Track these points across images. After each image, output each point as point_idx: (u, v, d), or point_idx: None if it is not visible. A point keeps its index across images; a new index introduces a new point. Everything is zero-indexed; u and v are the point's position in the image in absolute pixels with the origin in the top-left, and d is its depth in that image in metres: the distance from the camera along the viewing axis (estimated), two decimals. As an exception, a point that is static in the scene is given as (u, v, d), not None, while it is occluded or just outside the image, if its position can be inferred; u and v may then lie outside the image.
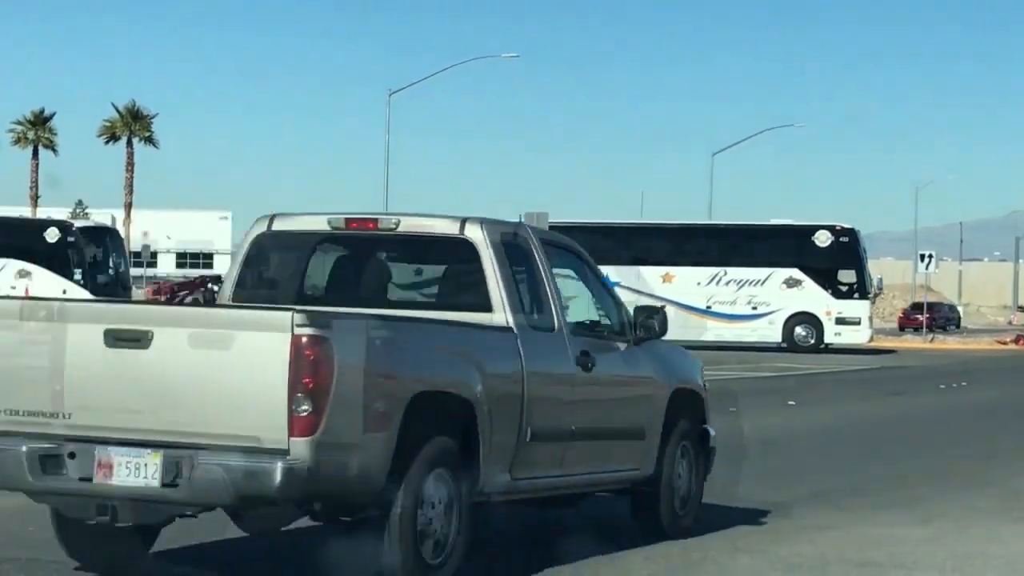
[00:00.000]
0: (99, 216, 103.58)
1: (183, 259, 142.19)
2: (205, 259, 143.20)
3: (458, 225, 10.62)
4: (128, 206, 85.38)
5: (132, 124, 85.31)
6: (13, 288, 51.94)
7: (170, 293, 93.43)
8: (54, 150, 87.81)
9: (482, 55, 75.24)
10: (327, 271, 11.28)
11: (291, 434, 8.48)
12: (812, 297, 54.87)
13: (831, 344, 55.01)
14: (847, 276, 55.41)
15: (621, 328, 11.69)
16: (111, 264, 54.95)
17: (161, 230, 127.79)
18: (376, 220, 10.92)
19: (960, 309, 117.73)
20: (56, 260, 52.79)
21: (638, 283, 52.94)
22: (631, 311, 11.86)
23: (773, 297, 54.75)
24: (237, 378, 8.62)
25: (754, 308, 54.11)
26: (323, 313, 8.95)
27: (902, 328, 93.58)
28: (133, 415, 8.81)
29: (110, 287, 53.97)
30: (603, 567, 10.83)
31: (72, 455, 8.90)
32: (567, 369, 10.80)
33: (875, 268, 61.27)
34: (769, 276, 54.61)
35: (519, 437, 10.15)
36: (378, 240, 11.00)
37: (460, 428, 9.61)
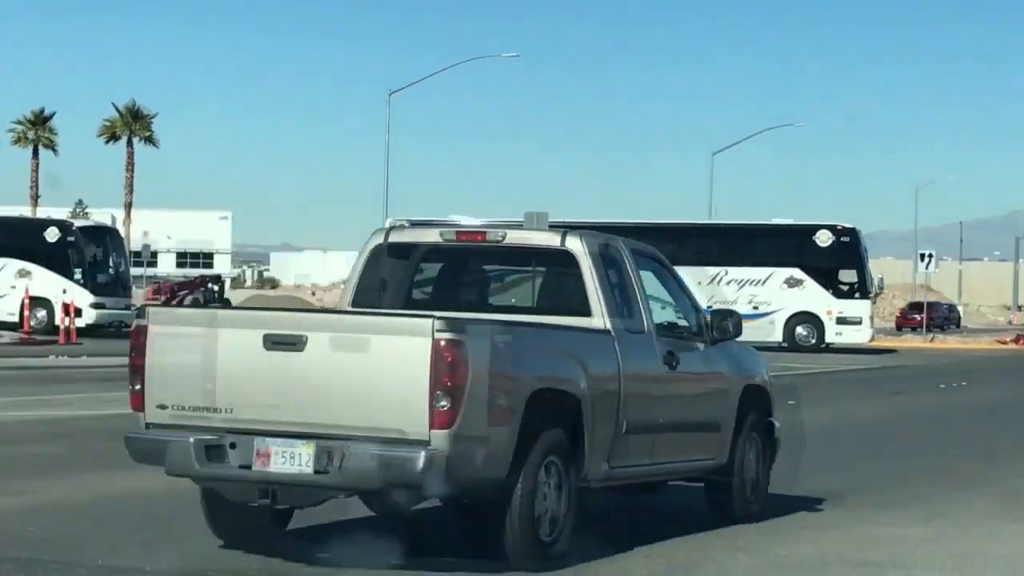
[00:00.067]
0: (99, 216, 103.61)
1: (183, 259, 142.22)
2: (205, 259, 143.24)
3: (559, 238, 11.69)
4: (128, 206, 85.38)
5: (132, 124, 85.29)
6: (13, 288, 51.97)
7: (170, 293, 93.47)
8: (54, 150, 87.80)
9: (482, 55, 75.23)
10: (433, 278, 12.45)
11: (432, 427, 9.54)
12: (813, 297, 54.87)
13: (832, 344, 55.01)
14: (848, 276, 55.41)
15: (699, 329, 12.76)
16: (111, 264, 54.91)
17: (161, 230, 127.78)
18: (484, 233, 12.13)
19: (960, 309, 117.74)
20: (56, 260, 52.76)
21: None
22: (708, 314, 12.99)
23: (774, 297, 54.76)
24: (382, 377, 9.68)
25: (755, 308, 54.08)
26: (459, 319, 9.93)
27: (899, 328, 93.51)
28: (288, 410, 9.87)
29: (110, 287, 53.99)
30: (603, 567, 10.84)
31: (233, 445, 9.96)
32: (656, 368, 11.88)
33: (875, 267, 61.21)
34: (770, 276, 54.63)
35: (616, 429, 11.20)
36: (484, 251, 12.20)
37: (569, 421, 10.61)
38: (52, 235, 53.55)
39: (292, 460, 9.82)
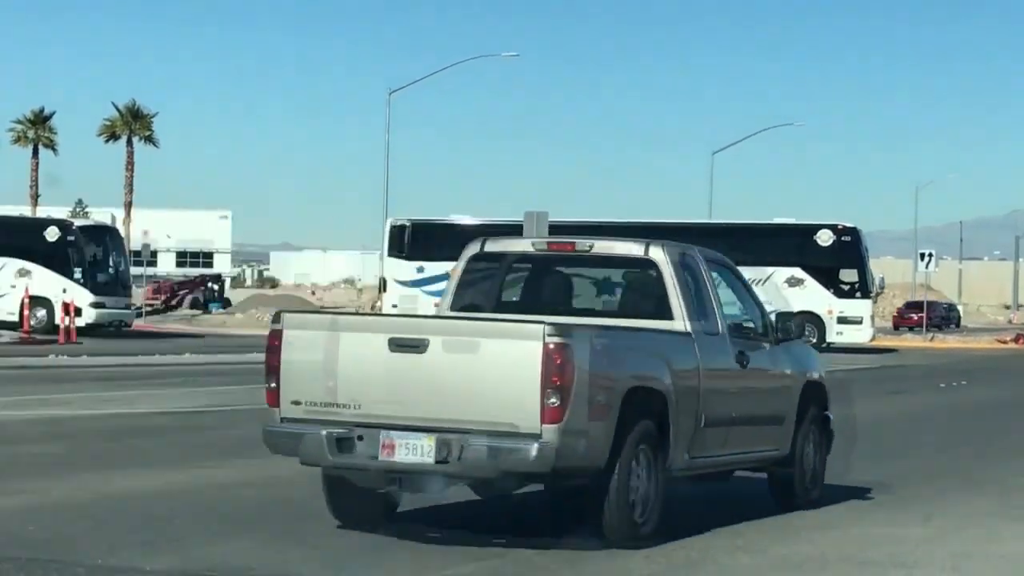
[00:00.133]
0: (99, 215, 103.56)
1: (183, 258, 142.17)
2: (205, 258, 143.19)
3: (643, 248, 12.76)
4: (128, 205, 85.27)
5: (132, 123, 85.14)
6: (13, 287, 51.98)
7: (170, 292, 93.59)
8: (54, 149, 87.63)
9: (482, 55, 75.03)
10: (522, 284, 13.50)
11: (542, 421, 10.62)
12: (814, 296, 54.83)
13: (833, 343, 54.96)
14: (849, 275, 55.35)
15: (764, 330, 13.74)
16: (111, 263, 54.92)
17: (161, 229, 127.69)
18: (573, 243, 13.22)
19: (960, 308, 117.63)
20: (56, 259, 52.77)
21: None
22: (772, 316, 13.97)
23: (775, 296, 54.74)
24: (496, 376, 10.77)
25: (756, 307, 54.01)
26: (566, 325, 11.02)
27: (896, 327, 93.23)
28: (410, 406, 10.96)
29: (110, 286, 54.00)
30: (603, 566, 10.85)
31: (360, 438, 11.06)
32: (729, 366, 12.93)
33: (875, 267, 61.23)
34: (771, 275, 54.57)
35: (696, 422, 12.22)
36: (573, 259, 13.29)
37: (656, 415, 11.64)
38: (52, 234, 53.56)
39: (415, 451, 10.90)
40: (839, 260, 55.22)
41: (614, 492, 11.19)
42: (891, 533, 12.75)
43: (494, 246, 13.32)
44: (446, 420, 10.85)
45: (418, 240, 57.71)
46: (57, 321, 49.13)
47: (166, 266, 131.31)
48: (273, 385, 11.34)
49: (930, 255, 73.79)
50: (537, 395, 10.60)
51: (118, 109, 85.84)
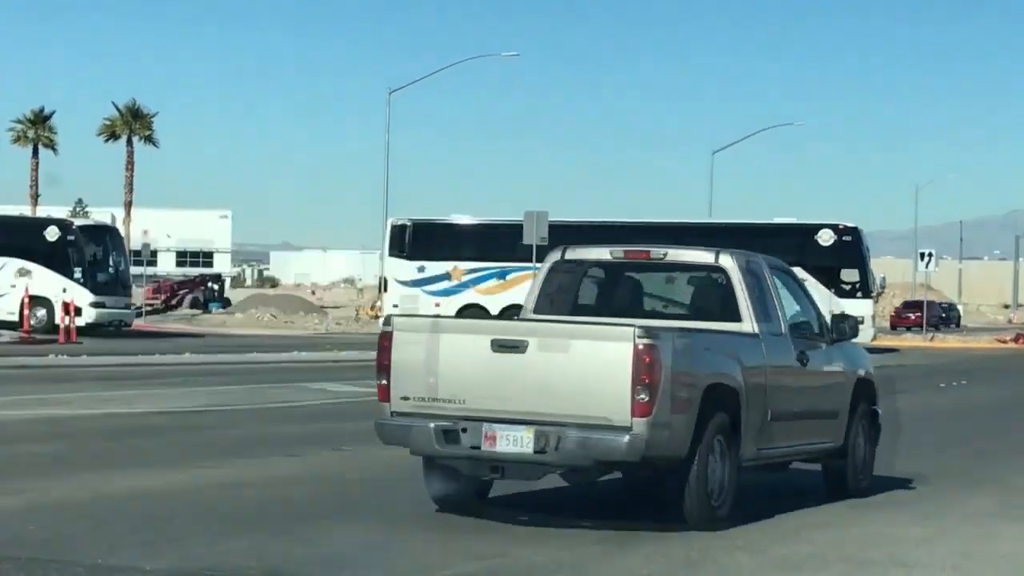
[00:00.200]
0: (99, 215, 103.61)
1: (183, 258, 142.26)
2: (205, 258, 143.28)
3: (713, 255, 13.78)
4: (128, 205, 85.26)
5: (132, 123, 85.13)
6: (13, 287, 51.98)
7: (170, 292, 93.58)
8: (54, 149, 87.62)
9: (482, 54, 75.10)
10: (598, 289, 14.51)
11: (633, 415, 11.64)
12: (815, 296, 54.73)
13: (833, 343, 54.85)
14: (850, 275, 55.23)
15: (821, 331, 14.76)
16: (111, 263, 54.94)
17: (161, 229, 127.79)
18: (648, 251, 14.23)
19: (960, 307, 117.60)
20: (56, 259, 52.78)
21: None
22: (828, 318, 14.98)
23: (774, 296, 54.68)
24: (591, 374, 11.76)
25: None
26: (653, 327, 12.02)
27: (894, 327, 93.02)
28: (510, 401, 11.97)
29: (110, 286, 54.00)
30: (603, 566, 10.86)
31: (464, 430, 12.03)
32: (792, 364, 13.89)
33: (875, 267, 61.12)
34: (771, 275, 54.50)
35: (763, 416, 13.17)
36: (648, 266, 14.34)
37: (729, 409, 12.55)
38: (52, 234, 53.58)
39: (515, 442, 11.88)
40: (840, 260, 55.13)
41: (694, 479, 12.19)
42: (891, 533, 12.76)
43: (573, 254, 14.33)
44: (544, 414, 11.84)
45: (419, 240, 57.67)
46: (57, 321, 49.14)
47: (166, 266, 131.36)
48: (384, 382, 12.35)
49: (930, 255, 73.83)
50: (628, 391, 11.61)
51: (118, 109, 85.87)
